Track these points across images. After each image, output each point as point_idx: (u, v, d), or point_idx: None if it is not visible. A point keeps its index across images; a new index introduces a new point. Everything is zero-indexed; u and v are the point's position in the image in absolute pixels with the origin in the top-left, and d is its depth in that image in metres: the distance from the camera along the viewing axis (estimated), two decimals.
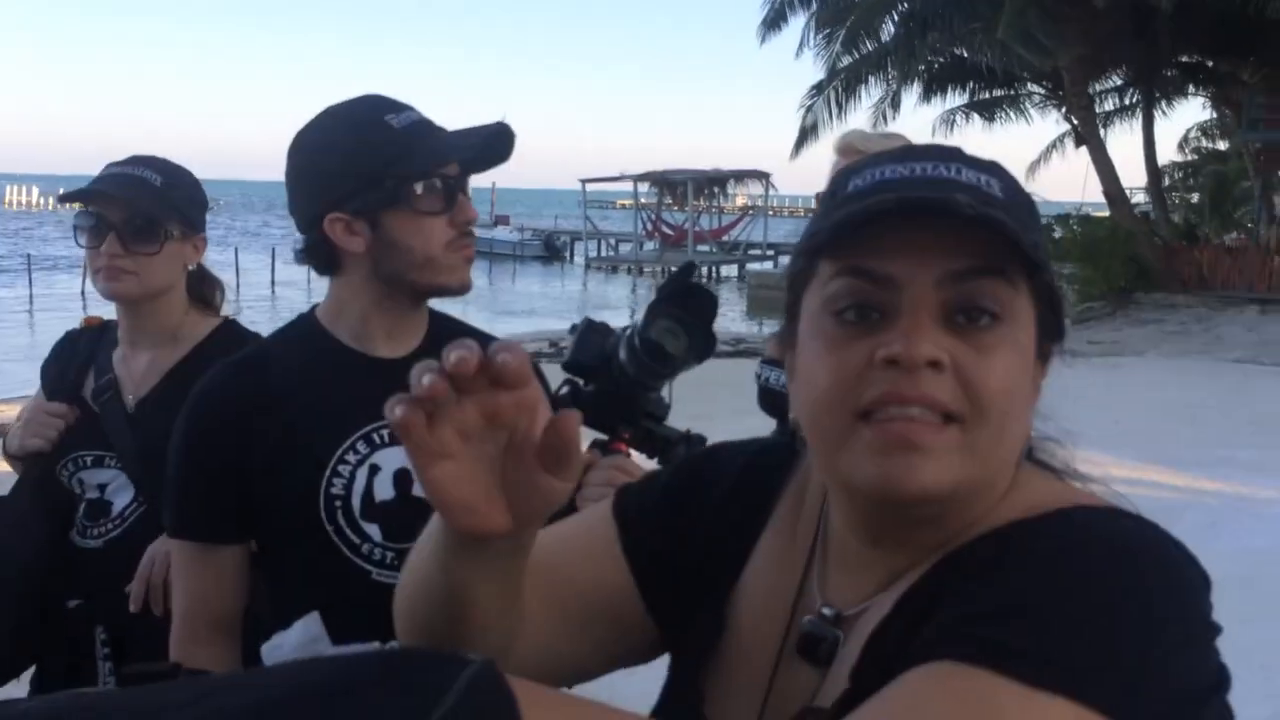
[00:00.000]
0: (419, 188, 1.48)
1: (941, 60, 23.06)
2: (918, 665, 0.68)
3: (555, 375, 1.61)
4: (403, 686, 0.45)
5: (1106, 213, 21.71)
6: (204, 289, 2.21)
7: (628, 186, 38.45)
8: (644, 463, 1.45)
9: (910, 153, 0.82)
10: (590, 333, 1.44)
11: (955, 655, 0.67)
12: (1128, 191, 21.59)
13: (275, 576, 1.60)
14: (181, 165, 2.15)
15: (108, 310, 2.18)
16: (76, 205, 2.10)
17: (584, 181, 38.78)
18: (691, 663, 0.92)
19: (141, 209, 2.04)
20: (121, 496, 2.09)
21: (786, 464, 0.97)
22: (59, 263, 31.94)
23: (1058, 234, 20.19)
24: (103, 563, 2.05)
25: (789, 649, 0.87)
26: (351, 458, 1.53)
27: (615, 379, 1.41)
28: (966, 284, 0.77)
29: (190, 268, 2.16)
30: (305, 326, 1.63)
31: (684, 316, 1.39)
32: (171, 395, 1.99)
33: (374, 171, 1.47)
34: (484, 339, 1.73)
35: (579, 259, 41.20)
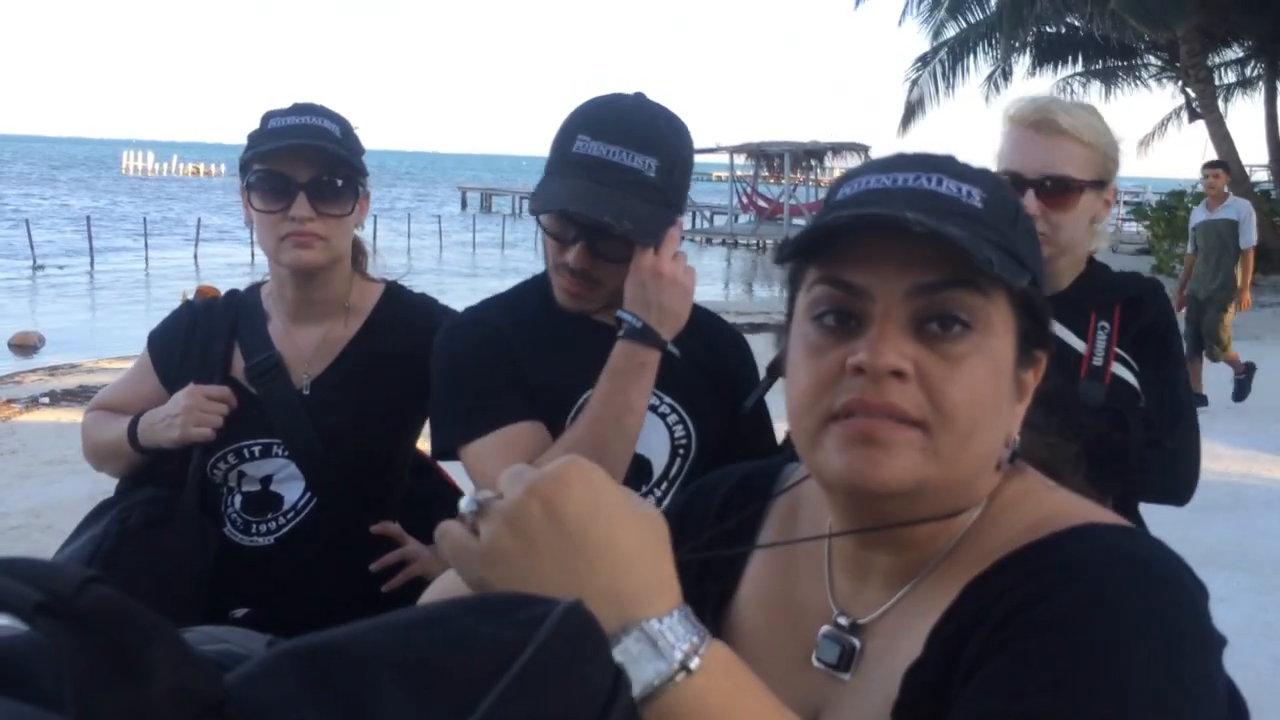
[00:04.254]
0: (544, 220, 1.63)
1: (1052, 30, 22.34)
2: None
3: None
4: (500, 619, 0.48)
5: None
6: (355, 254, 2.00)
7: (723, 158, 38.22)
8: None
9: (898, 162, 0.86)
10: None
11: None
12: (1248, 169, 20.67)
13: None
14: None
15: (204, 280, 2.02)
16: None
17: None
18: None
19: (330, 165, 1.81)
20: (292, 488, 1.88)
21: (773, 480, 1.04)
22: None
23: (1172, 213, 19.45)
24: (272, 562, 1.87)
25: (802, 655, 0.91)
26: None
27: None
28: (936, 295, 0.81)
29: (358, 230, 1.95)
30: (537, 286, 1.75)
31: None
32: (351, 373, 1.89)
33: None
34: (697, 312, 1.78)
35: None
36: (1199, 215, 9.88)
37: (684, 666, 0.64)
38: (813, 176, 39.44)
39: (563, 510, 0.67)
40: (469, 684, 0.44)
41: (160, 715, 0.40)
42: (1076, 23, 21.72)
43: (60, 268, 23.05)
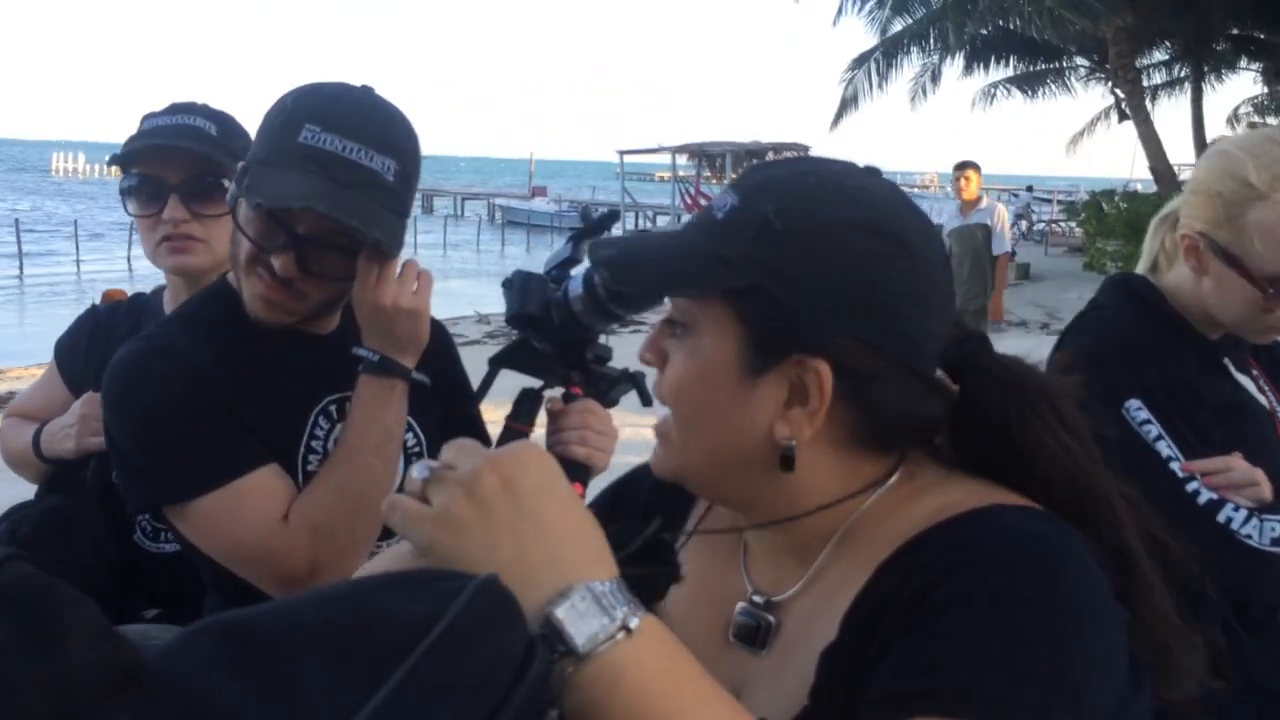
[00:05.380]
0: (243, 217, 1.44)
1: (986, 31, 22.71)
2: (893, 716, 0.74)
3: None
4: (417, 593, 0.51)
5: (1154, 189, 21.32)
6: None
7: (665, 159, 38.35)
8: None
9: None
10: (529, 284, 1.43)
11: (928, 710, 0.73)
12: (1176, 168, 21.17)
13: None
14: (225, 111, 1.88)
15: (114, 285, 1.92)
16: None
17: (621, 153, 38.72)
18: None
19: (204, 165, 1.76)
20: None
21: None
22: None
23: (1104, 210, 19.90)
24: (181, 567, 1.75)
25: (720, 634, 0.95)
26: (320, 432, 1.53)
27: (561, 326, 1.40)
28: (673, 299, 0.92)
29: None
30: (218, 295, 1.55)
31: None
32: None
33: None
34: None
35: (617, 231, 41.04)
36: (953, 220, 9.14)
37: (625, 626, 0.68)
38: None
39: (519, 484, 0.72)
40: (385, 654, 0.46)
41: (78, 684, 0.41)
42: (1009, 25, 22.08)
43: None
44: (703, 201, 38.32)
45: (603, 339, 1.48)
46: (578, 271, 1.39)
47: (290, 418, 1.51)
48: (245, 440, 1.45)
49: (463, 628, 0.48)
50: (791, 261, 0.85)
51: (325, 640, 0.46)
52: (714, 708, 0.71)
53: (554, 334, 1.41)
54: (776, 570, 0.95)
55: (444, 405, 1.68)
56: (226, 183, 1.75)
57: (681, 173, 39.76)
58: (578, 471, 1.45)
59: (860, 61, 23.32)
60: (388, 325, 1.46)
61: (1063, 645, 0.76)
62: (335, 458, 1.47)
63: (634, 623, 0.68)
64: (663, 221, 41.70)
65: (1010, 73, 24.09)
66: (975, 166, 8.98)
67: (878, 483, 0.90)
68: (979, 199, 9.03)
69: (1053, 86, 24.35)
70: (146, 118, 1.81)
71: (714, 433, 0.89)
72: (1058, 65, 24.03)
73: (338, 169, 1.36)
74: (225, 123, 1.84)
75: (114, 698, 0.41)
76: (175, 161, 1.76)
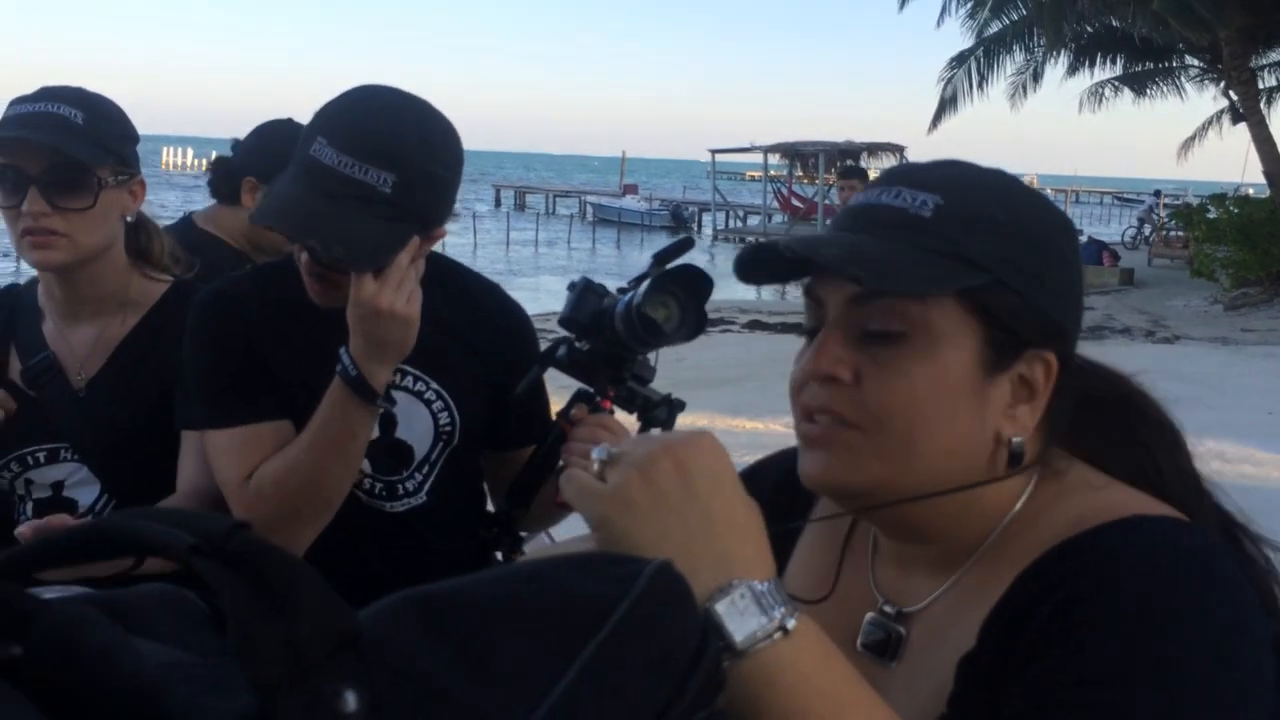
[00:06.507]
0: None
1: (1091, 29, 22.09)
2: None
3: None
4: (598, 575, 0.52)
5: (1268, 194, 20.52)
6: (142, 242, 1.87)
7: (757, 158, 38.18)
8: (626, 420, 1.55)
9: (881, 179, 0.92)
10: (587, 293, 1.46)
11: None
12: None
13: None
14: (102, 95, 1.78)
15: None
16: None
17: (713, 152, 38.66)
18: None
19: (66, 154, 1.68)
20: (85, 492, 1.79)
21: None
22: None
23: (1212, 214, 19.22)
24: None
25: (846, 640, 0.92)
26: None
27: (607, 339, 1.44)
28: (871, 303, 0.85)
29: (129, 219, 1.82)
30: (285, 264, 1.66)
31: (681, 295, 1.40)
32: (128, 372, 1.80)
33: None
34: (474, 283, 1.81)
35: (707, 230, 41.18)
36: None
37: (782, 626, 0.69)
38: None
39: (692, 472, 0.73)
40: (576, 629, 0.48)
41: (309, 646, 0.43)
42: (1115, 23, 21.46)
43: None
44: (795, 202, 38.19)
45: (648, 358, 1.52)
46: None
47: (321, 379, 1.58)
48: (267, 392, 1.61)
49: (644, 608, 0.50)
50: (1022, 256, 0.86)
51: (519, 614, 0.49)
52: (868, 710, 0.72)
53: (598, 344, 1.46)
54: (909, 580, 0.94)
55: (494, 385, 1.72)
56: (89, 174, 1.71)
57: (773, 172, 39.53)
58: None
59: (960, 60, 22.92)
60: (376, 328, 1.48)
61: (1214, 659, 0.75)
62: (300, 439, 1.58)
63: (791, 624, 0.70)
64: (753, 221, 41.59)
65: (1118, 72, 23.38)
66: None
67: (1028, 474, 0.90)
68: None
69: (1163, 87, 23.56)
70: (14, 103, 1.73)
71: (943, 440, 0.86)
72: (1167, 65, 23.26)
73: (330, 182, 1.44)
74: (97, 109, 1.75)
75: (337, 660, 0.43)
76: (34, 152, 1.67)
